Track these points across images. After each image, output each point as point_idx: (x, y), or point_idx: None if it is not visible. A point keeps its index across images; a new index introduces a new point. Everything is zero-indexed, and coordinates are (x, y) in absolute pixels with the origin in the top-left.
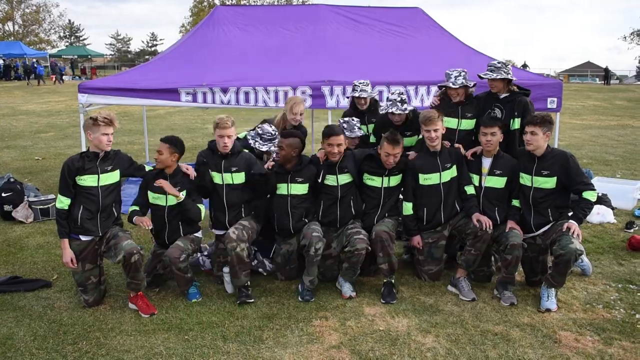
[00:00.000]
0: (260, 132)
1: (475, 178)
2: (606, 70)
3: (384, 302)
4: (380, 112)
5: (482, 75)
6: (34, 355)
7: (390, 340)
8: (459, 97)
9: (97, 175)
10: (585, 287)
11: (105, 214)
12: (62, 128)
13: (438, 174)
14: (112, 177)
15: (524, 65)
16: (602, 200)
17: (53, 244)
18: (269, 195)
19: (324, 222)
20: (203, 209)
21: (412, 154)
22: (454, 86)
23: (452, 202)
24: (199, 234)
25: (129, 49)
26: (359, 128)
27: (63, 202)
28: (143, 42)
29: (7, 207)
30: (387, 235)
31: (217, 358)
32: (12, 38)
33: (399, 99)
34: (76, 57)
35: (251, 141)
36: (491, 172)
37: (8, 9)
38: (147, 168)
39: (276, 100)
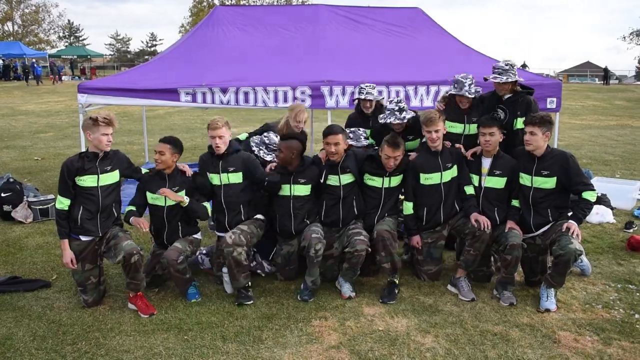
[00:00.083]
0: (266, 141)
1: (475, 178)
2: (605, 70)
3: (381, 301)
4: (379, 121)
5: (490, 79)
6: (33, 355)
7: (389, 341)
8: (468, 103)
9: (96, 176)
10: (585, 287)
11: (105, 214)
12: (61, 128)
13: (439, 173)
14: (111, 177)
15: (524, 65)
16: (602, 200)
17: (52, 244)
18: (267, 195)
19: (326, 222)
20: (209, 206)
21: (412, 155)
22: (470, 96)
23: (452, 202)
24: (198, 236)
25: (129, 49)
26: (366, 138)
27: (63, 203)
28: (142, 42)
29: (6, 207)
30: (389, 234)
31: (217, 358)
32: (12, 38)
33: (397, 107)
34: (75, 57)
35: (255, 149)
36: (491, 173)
37: (7, 9)
38: (144, 171)
39: (275, 100)
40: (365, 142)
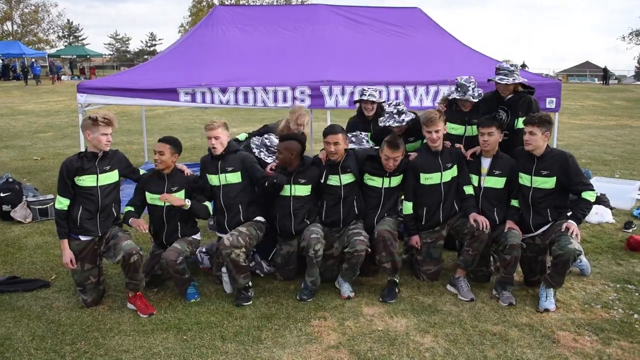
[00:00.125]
0: (267, 143)
1: (474, 178)
2: (605, 70)
3: (382, 300)
4: (379, 124)
5: (496, 80)
6: (32, 355)
7: (388, 340)
8: (470, 105)
9: (96, 175)
10: (584, 287)
11: (105, 214)
12: (60, 128)
13: (439, 173)
14: (111, 177)
15: (523, 65)
16: (601, 200)
17: (52, 244)
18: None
19: (326, 222)
20: (210, 205)
21: (412, 155)
22: (473, 100)
23: (451, 202)
24: (197, 236)
25: (128, 49)
26: (367, 141)
27: (62, 203)
28: (142, 42)
29: (5, 207)
30: (390, 234)
31: (216, 358)
32: (11, 38)
33: (395, 110)
34: (75, 56)
35: (255, 150)
36: (490, 173)
37: (7, 9)
38: (141, 172)
39: (275, 100)
40: (367, 146)
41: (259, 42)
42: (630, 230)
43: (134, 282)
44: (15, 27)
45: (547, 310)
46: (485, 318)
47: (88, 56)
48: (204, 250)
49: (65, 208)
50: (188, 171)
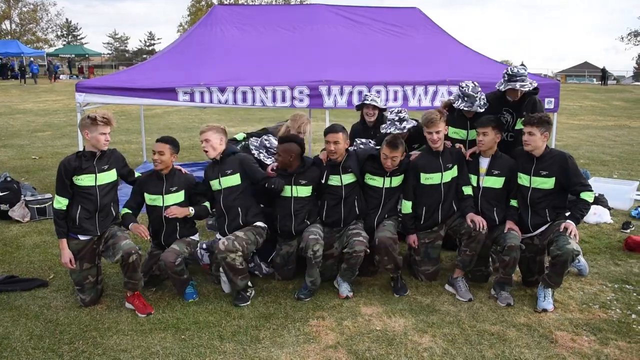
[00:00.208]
0: (267, 144)
1: (473, 178)
2: (603, 70)
3: (397, 295)
4: (381, 131)
5: (518, 87)
6: (30, 355)
7: (387, 340)
8: (474, 113)
9: (94, 175)
10: (582, 287)
11: (104, 214)
12: (59, 127)
13: (440, 173)
14: (109, 176)
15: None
16: (599, 200)
17: (50, 243)
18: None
19: (327, 222)
20: (208, 203)
21: (414, 154)
22: (481, 110)
23: (451, 202)
24: (195, 237)
25: (127, 48)
26: (374, 148)
27: (61, 203)
28: (141, 41)
29: (3, 207)
30: (391, 240)
31: (214, 358)
32: (10, 37)
33: (397, 118)
34: (73, 56)
35: (255, 152)
36: (489, 172)
37: (5, 8)
38: (136, 174)
39: (274, 100)
40: (374, 152)
41: (258, 41)
42: (629, 231)
43: (133, 282)
44: (13, 26)
45: (545, 310)
46: (483, 318)
47: (87, 55)
48: (204, 247)
49: (64, 208)
50: (184, 170)
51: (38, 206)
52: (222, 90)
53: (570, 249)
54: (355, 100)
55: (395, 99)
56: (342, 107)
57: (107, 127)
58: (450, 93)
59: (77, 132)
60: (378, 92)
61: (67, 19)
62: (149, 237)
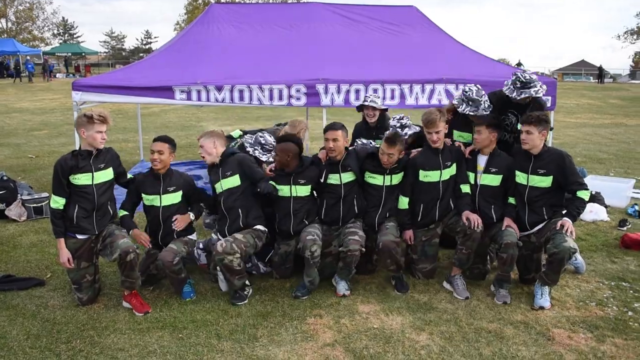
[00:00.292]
0: (262, 141)
1: (470, 176)
2: (600, 68)
3: (399, 292)
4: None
5: (532, 93)
6: (27, 354)
7: (384, 338)
8: None
9: (91, 174)
10: (579, 285)
11: (101, 213)
12: (55, 126)
13: (439, 171)
14: (106, 174)
15: (519, 64)
16: (596, 198)
17: (47, 242)
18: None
19: (326, 220)
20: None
21: (414, 152)
22: (485, 113)
23: (448, 200)
24: (193, 236)
25: (123, 47)
26: (374, 147)
27: (58, 202)
28: (137, 39)
29: (0, 206)
30: (394, 244)
31: (211, 356)
32: (5, 35)
33: (398, 125)
34: (70, 54)
35: (249, 149)
36: (487, 170)
37: (1, 6)
38: (129, 176)
39: (271, 98)
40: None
41: (255, 40)
42: (625, 228)
43: (130, 281)
44: (9, 24)
45: (542, 307)
46: (480, 316)
47: (83, 54)
48: (200, 247)
49: (61, 207)
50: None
51: (35, 205)
52: (219, 89)
53: (567, 247)
54: (353, 99)
55: (393, 98)
56: (339, 105)
57: (103, 125)
58: (447, 91)
59: (74, 131)
60: (375, 90)
61: (63, 18)
62: (150, 246)
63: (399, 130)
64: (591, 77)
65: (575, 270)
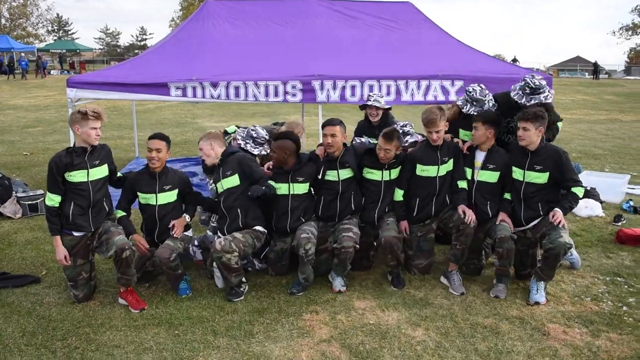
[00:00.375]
0: (253, 134)
1: (468, 171)
2: (595, 65)
3: (395, 288)
4: None
5: (542, 99)
6: (23, 351)
7: (380, 334)
8: None
9: (86, 170)
10: (574, 280)
11: (97, 209)
12: (50, 123)
13: (436, 167)
14: (101, 171)
15: (514, 60)
16: (591, 194)
17: (42, 239)
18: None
19: (322, 217)
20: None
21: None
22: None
23: (444, 195)
24: (189, 233)
25: (118, 43)
26: (372, 143)
27: (53, 200)
28: (132, 36)
29: None
30: (396, 239)
31: (208, 353)
32: None
33: (400, 131)
34: (64, 51)
35: (241, 142)
36: (484, 167)
37: None
38: (118, 174)
39: (266, 95)
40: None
41: (250, 36)
42: (620, 224)
43: (126, 278)
44: (3, 21)
45: (537, 303)
46: (476, 311)
47: (78, 50)
48: (196, 243)
49: (57, 205)
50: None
51: (30, 202)
52: (215, 85)
53: (563, 242)
54: (348, 95)
55: (388, 93)
56: (335, 101)
57: (97, 121)
58: (443, 87)
59: (69, 128)
60: (371, 86)
61: (57, 14)
62: (148, 254)
63: (400, 137)
64: (586, 73)
65: (570, 266)
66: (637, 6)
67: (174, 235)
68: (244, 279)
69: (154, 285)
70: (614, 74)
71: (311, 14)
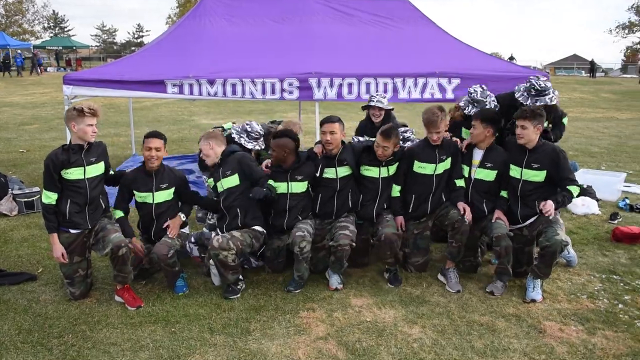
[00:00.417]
0: (248, 129)
1: (465, 169)
2: (592, 63)
3: (391, 286)
4: None
5: (547, 100)
6: (19, 349)
7: (377, 331)
8: None
9: (83, 168)
10: (570, 278)
11: (93, 207)
12: (46, 120)
13: (434, 165)
14: (97, 168)
15: (511, 58)
16: (587, 191)
17: (38, 237)
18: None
19: (320, 214)
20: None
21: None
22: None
23: (440, 194)
24: (185, 230)
25: (115, 40)
26: (370, 140)
27: (50, 198)
28: (129, 33)
29: None
30: (396, 236)
31: (204, 350)
32: None
33: (401, 137)
34: (61, 48)
35: (235, 136)
36: (482, 165)
37: None
38: (110, 172)
39: (263, 92)
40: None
41: (247, 33)
42: (616, 222)
43: (122, 275)
44: None
45: (533, 300)
46: (472, 309)
47: (74, 47)
48: (192, 240)
49: (54, 202)
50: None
51: (26, 200)
52: (211, 83)
53: (559, 240)
54: (345, 93)
55: (385, 91)
56: (332, 99)
57: (94, 118)
58: (440, 85)
59: (65, 125)
60: (368, 84)
61: (53, 11)
62: (145, 257)
63: (400, 142)
64: (583, 71)
65: (567, 264)
66: (633, 4)
67: (170, 236)
68: (240, 277)
69: (151, 282)
70: (611, 72)
71: (308, 11)
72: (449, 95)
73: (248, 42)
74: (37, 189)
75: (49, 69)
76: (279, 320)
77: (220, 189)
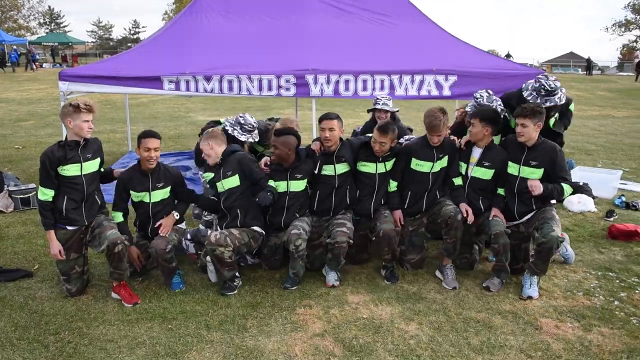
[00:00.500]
0: (241, 121)
1: (462, 166)
2: (588, 60)
3: (388, 282)
4: None
5: (556, 100)
6: (15, 345)
7: (373, 328)
8: None
9: (79, 164)
10: (566, 275)
11: (90, 203)
12: (42, 116)
13: (431, 163)
14: (94, 165)
15: (508, 55)
16: (583, 189)
17: (34, 233)
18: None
19: (318, 211)
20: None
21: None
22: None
23: (436, 192)
24: (182, 225)
25: (111, 37)
26: (367, 136)
27: (47, 194)
28: (125, 29)
29: None
30: (395, 232)
31: (201, 347)
32: None
33: (402, 141)
34: (57, 44)
35: (229, 128)
36: (479, 163)
37: None
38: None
39: (260, 88)
40: None
41: (244, 30)
42: (612, 219)
43: (119, 272)
44: None
45: (530, 297)
46: (469, 306)
47: (70, 43)
48: (188, 237)
49: (50, 199)
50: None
51: (22, 196)
52: (208, 79)
53: (555, 236)
54: (342, 89)
55: (382, 88)
56: (329, 96)
57: (90, 114)
58: (436, 82)
59: (61, 122)
60: (365, 81)
61: (49, 7)
62: (143, 265)
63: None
64: (579, 69)
65: (564, 261)
66: (629, 2)
67: (161, 235)
68: (237, 274)
69: (147, 279)
70: (607, 70)
71: (305, 7)
72: (446, 92)
73: (244, 39)
74: (33, 185)
75: (44, 65)
76: (276, 317)
77: (220, 189)
